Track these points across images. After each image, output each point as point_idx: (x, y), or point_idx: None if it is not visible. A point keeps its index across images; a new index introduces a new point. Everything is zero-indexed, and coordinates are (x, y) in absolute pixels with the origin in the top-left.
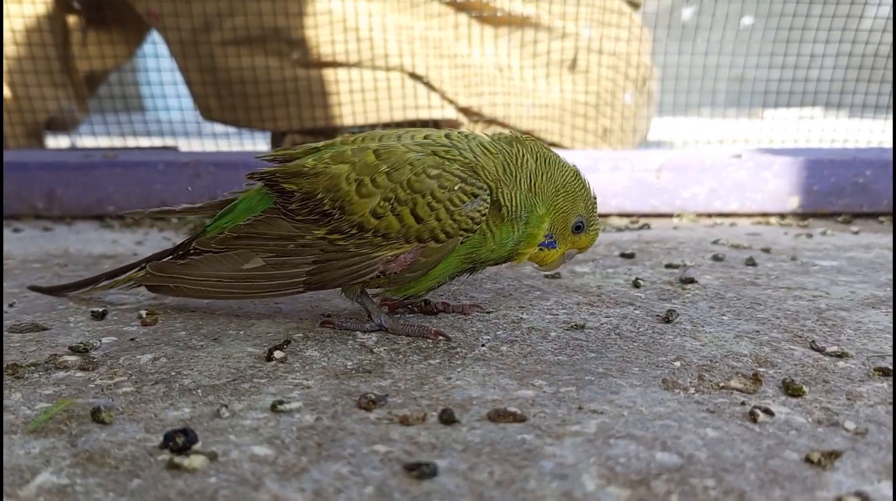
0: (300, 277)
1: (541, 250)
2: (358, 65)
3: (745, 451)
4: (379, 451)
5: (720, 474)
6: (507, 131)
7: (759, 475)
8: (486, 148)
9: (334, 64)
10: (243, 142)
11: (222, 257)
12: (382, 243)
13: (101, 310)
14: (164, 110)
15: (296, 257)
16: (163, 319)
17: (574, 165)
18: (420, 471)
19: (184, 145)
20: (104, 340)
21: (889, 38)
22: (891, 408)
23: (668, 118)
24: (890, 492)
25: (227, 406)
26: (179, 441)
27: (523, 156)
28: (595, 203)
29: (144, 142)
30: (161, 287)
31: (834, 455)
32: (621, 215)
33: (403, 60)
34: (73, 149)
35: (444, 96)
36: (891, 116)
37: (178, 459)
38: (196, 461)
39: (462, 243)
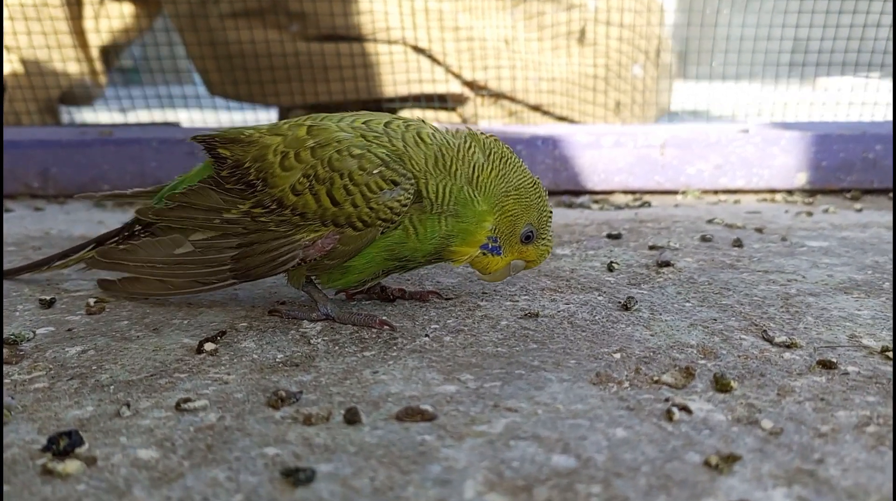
0: (226, 263)
1: (483, 254)
2: (359, 38)
3: (646, 453)
4: (267, 454)
5: (610, 479)
6: (467, 128)
7: (651, 480)
8: (420, 139)
9: (335, 37)
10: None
11: (157, 242)
12: (300, 222)
13: (49, 298)
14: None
15: (221, 239)
16: (111, 307)
17: (537, 178)
18: (296, 477)
19: (228, 119)
20: (40, 331)
21: None
22: (819, 404)
23: (721, 85)
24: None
25: (130, 405)
26: (62, 444)
27: (470, 148)
28: (550, 219)
29: (189, 116)
30: (112, 275)
31: (732, 459)
32: (625, 192)
33: (406, 33)
34: (69, 125)
35: (448, 70)
36: None
37: (52, 464)
38: (71, 466)
39: (382, 233)
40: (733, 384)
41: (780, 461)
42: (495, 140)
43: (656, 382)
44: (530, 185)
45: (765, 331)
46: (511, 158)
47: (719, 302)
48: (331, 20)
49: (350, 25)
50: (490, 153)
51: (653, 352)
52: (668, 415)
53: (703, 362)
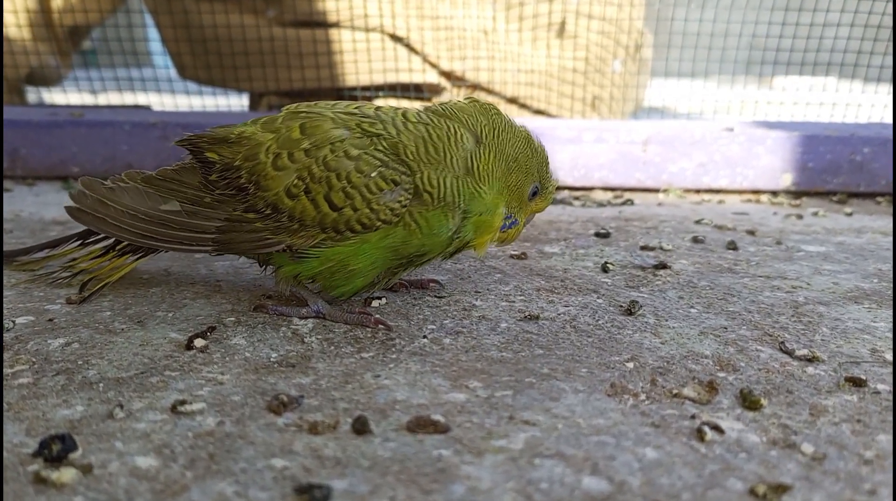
0: (210, 232)
1: (503, 232)
2: (336, 25)
3: (684, 478)
4: (275, 466)
5: None
6: (439, 105)
7: None
8: (407, 120)
9: (311, 23)
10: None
11: (145, 193)
12: (299, 230)
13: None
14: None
15: (210, 209)
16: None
17: (523, 127)
18: (311, 495)
19: (197, 103)
20: (19, 320)
21: None
22: (856, 426)
23: (676, 82)
24: None
25: (123, 406)
26: (55, 450)
27: (457, 133)
28: (548, 162)
29: (152, 99)
30: (84, 213)
31: (781, 489)
32: (605, 189)
33: (383, 21)
34: (40, 106)
35: (425, 59)
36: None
37: (46, 472)
38: (66, 474)
39: (376, 230)
40: (762, 401)
41: (830, 491)
42: (475, 107)
43: (676, 395)
44: (524, 145)
45: (782, 343)
46: (498, 123)
47: (726, 309)
48: (308, 6)
49: (327, 11)
50: (480, 131)
51: (666, 362)
52: (700, 435)
53: (722, 375)
